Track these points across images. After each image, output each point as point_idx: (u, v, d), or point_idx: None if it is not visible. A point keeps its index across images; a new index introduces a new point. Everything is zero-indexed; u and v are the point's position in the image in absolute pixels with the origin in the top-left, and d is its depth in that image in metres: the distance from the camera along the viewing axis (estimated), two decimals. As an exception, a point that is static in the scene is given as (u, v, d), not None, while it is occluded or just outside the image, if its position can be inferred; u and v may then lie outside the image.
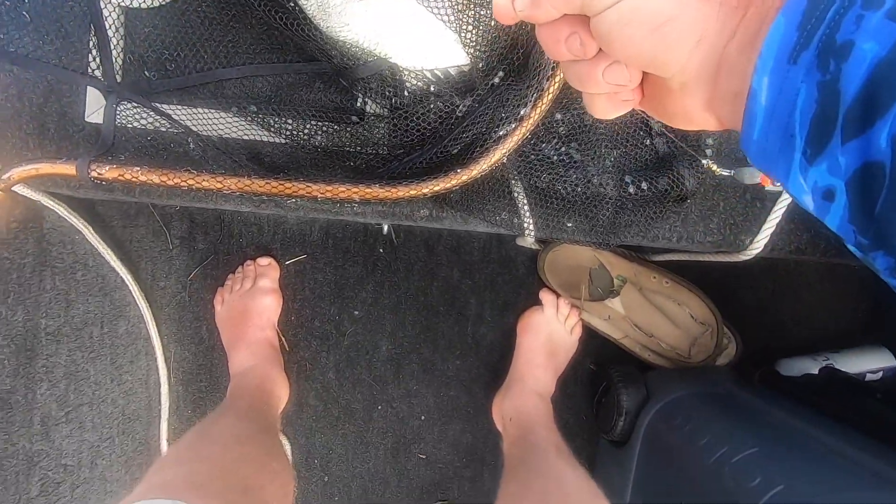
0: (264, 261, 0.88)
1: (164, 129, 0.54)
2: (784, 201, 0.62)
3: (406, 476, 0.94)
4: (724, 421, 0.69)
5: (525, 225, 0.60)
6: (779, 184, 0.25)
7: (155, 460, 0.86)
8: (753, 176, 0.47)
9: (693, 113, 0.25)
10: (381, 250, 0.91)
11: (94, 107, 0.57)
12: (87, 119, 0.56)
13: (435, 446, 0.94)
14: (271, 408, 0.78)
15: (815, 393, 0.75)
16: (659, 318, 0.86)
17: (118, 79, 0.55)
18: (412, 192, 0.54)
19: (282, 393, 0.84)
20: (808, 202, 0.22)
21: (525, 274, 0.93)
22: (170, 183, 0.48)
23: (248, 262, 0.89)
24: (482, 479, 0.95)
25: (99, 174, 0.47)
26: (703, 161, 0.46)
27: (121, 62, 0.56)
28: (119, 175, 0.47)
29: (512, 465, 0.73)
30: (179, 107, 0.56)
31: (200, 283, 0.88)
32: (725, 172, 0.47)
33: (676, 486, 0.68)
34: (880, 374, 0.91)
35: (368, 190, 0.53)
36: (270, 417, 0.76)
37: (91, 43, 0.55)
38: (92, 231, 0.68)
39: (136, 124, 0.53)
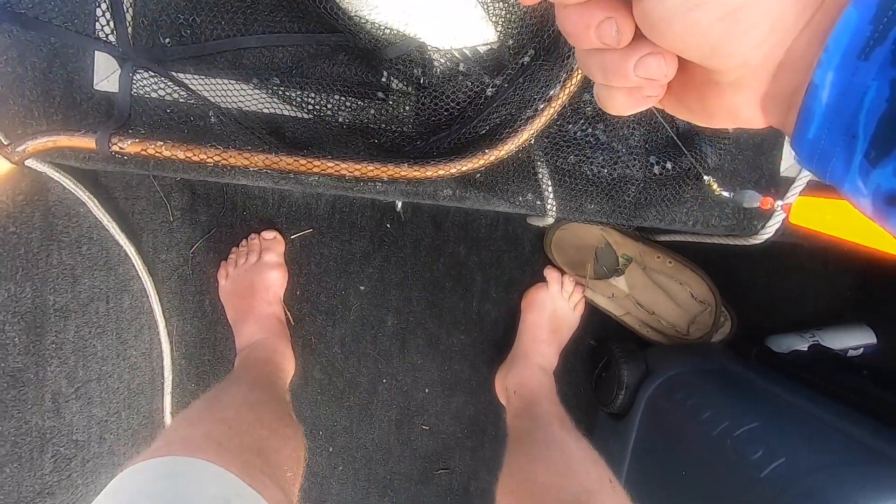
0: (269, 234, 0.87)
1: (182, 101, 0.52)
2: (797, 188, 0.63)
3: (409, 446, 0.97)
4: (724, 396, 0.72)
5: (548, 206, 0.60)
6: (834, 186, 0.23)
7: (159, 433, 0.86)
8: (752, 200, 0.48)
9: (741, 111, 0.23)
10: (388, 225, 0.90)
11: (104, 74, 0.53)
12: (96, 87, 0.53)
13: (438, 418, 0.96)
14: (280, 380, 0.78)
15: (805, 369, 0.79)
16: (661, 296, 0.88)
17: (131, 44, 0.52)
18: (440, 172, 0.53)
19: (289, 367, 0.85)
20: (867, 205, 0.20)
21: (531, 251, 0.93)
22: (195, 159, 0.47)
23: (253, 235, 0.87)
24: (483, 449, 0.98)
25: (120, 148, 0.45)
26: (705, 177, 0.47)
27: (131, 26, 0.53)
28: (142, 149, 0.45)
29: (517, 436, 0.75)
30: (196, 77, 0.54)
31: (203, 257, 0.86)
32: (725, 194, 0.47)
33: (677, 458, 0.72)
34: (861, 350, 0.96)
35: (397, 169, 0.52)
36: (280, 388, 0.76)
37: (100, 4, 0.51)
38: (97, 203, 0.65)
39: (153, 95, 0.50)
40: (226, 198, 0.85)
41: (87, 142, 0.44)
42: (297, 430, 0.65)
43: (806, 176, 0.61)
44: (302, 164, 0.49)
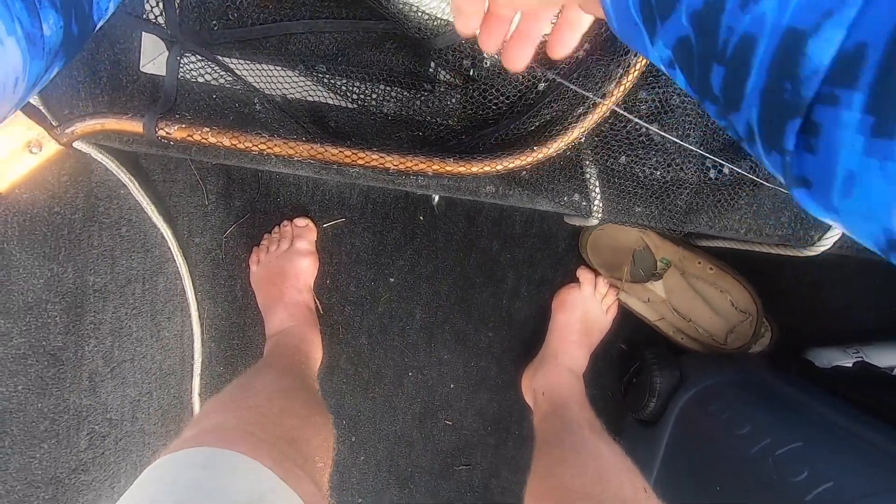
0: (301, 222, 0.86)
1: (227, 87, 0.51)
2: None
3: (431, 440, 0.96)
4: (764, 411, 0.69)
5: (594, 208, 0.58)
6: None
7: (187, 414, 0.87)
8: None
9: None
10: (421, 218, 0.89)
11: (150, 56, 0.53)
12: (142, 69, 0.53)
13: (461, 414, 0.96)
14: (309, 368, 0.78)
15: (849, 387, 0.76)
16: (699, 303, 0.85)
17: (179, 27, 0.51)
18: (486, 169, 0.52)
19: (318, 355, 0.84)
20: (665, 72, 0.27)
21: (565, 251, 0.91)
22: (241, 147, 0.46)
23: (285, 222, 0.87)
24: (506, 447, 0.97)
25: (167, 133, 0.45)
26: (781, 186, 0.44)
27: (179, 9, 0.52)
28: (188, 135, 0.45)
29: (545, 440, 0.74)
30: (242, 62, 0.53)
31: (235, 242, 0.86)
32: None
33: (711, 472, 0.70)
34: (908, 369, 0.92)
35: (442, 164, 0.51)
36: (310, 376, 0.76)
37: (148, -15, 0.50)
38: (137, 186, 0.65)
39: (199, 79, 0.50)
40: (260, 184, 0.85)
41: (134, 125, 0.44)
42: (328, 420, 0.64)
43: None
44: (346, 156, 0.48)
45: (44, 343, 0.70)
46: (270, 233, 0.87)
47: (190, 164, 0.79)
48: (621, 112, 0.50)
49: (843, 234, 0.61)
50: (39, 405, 0.73)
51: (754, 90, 0.22)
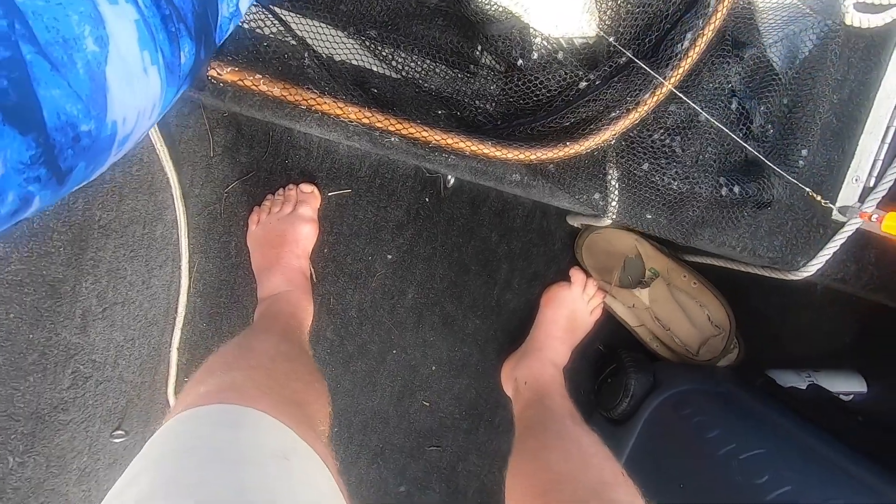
0: (307, 187, 0.86)
1: (278, 38, 0.51)
2: (846, 232, 0.65)
3: (407, 419, 0.98)
4: (731, 419, 0.74)
5: (610, 208, 0.61)
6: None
7: (163, 367, 0.85)
8: (853, 212, 0.49)
9: None
10: (427, 199, 0.90)
11: (198, -6, 0.52)
12: (187, 5, 0.51)
13: (440, 396, 0.98)
14: (304, 334, 0.78)
15: (804, 405, 0.83)
16: (679, 314, 0.90)
17: (234, -31, 0.50)
18: (520, 156, 0.53)
19: (309, 323, 0.84)
20: None
21: (560, 249, 0.94)
22: (290, 99, 0.46)
23: (290, 185, 0.86)
24: (477, 433, 1.00)
25: (218, 74, 0.44)
26: (807, 190, 0.48)
27: (235, -50, 0.51)
28: (239, 79, 0.44)
29: (528, 426, 0.77)
30: (291, 14, 0.52)
31: (236, 198, 0.85)
32: (830, 205, 0.49)
33: (677, 470, 0.74)
34: (852, 396, 1.00)
35: (480, 145, 0.52)
36: (306, 342, 0.76)
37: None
38: (156, 126, 0.63)
39: (251, 25, 0.49)
40: (270, 142, 0.84)
41: (186, 61, 0.43)
42: (325, 387, 0.65)
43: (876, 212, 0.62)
44: (391, 124, 0.49)
45: (44, 272, 0.67)
46: (274, 194, 0.86)
47: (202, 112, 0.77)
48: (681, 96, 0.52)
49: (826, 262, 0.66)
50: (31, 336, 0.69)
51: None
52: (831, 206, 0.46)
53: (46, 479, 0.75)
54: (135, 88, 0.28)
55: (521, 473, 0.65)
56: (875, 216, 0.49)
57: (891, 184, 0.58)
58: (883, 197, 0.60)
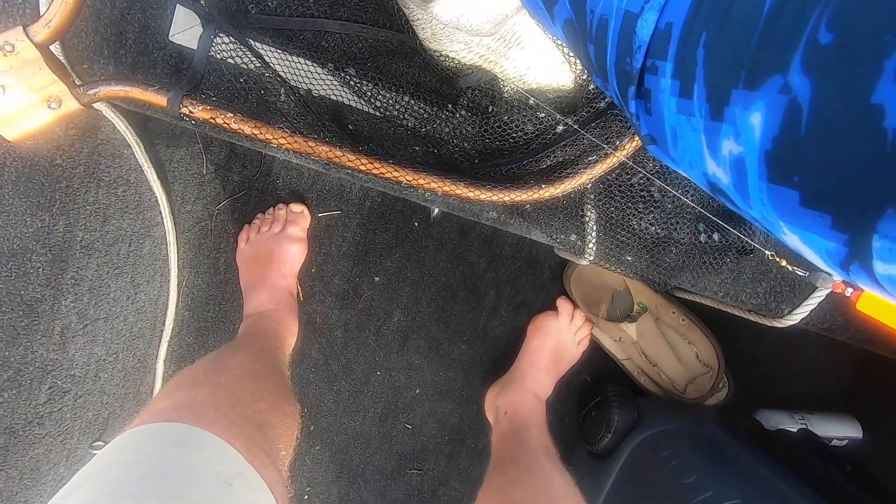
0: (297, 207, 0.86)
1: (255, 72, 0.51)
2: (831, 282, 0.63)
3: (388, 441, 0.97)
4: (710, 465, 0.73)
5: (587, 250, 0.60)
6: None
7: (149, 379, 0.86)
8: (826, 282, 0.48)
9: None
10: (416, 224, 0.90)
11: (181, 27, 0.53)
12: (171, 38, 0.53)
13: (422, 420, 0.97)
14: (283, 354, 0.78)
15: (790, 453, 0.80)
16: (667, 350, 0.89)
17: (216, 6, 0.51)
18: (493, 198, 0.53)
19: (292, 342, 0.85)
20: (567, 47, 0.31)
21: (549, 279, 0.94)
22: (261, 137, 0.46)
23: (280, 205, 0.87)
24: (459, 459, 0.99)
25: (190, 112, 0.45)
26: (767, 252, 0.46)
27: (219, -15, 0.52)
28: (211, 117, 0.45)
29: (501, 458, 0.76)
30: (273, 49, 0.53)
31: (227, 216, 0.86)
32: (800, 272, 0.47)
33: (653, 513, 0.73)
34: (846, 441, 0.97)
35: (453, 186, 0.52)
36: (283, 362, 0.76)
37: (192, -43, 0.50)
38: (142, 148, 0.64)
39: (228, 60, 0.50)
40: (262, 163, 0.85)
41: (158, 98, 0.44)
42: (295, 409, 0.65)
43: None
44: (363, 164, 0.49)
45: (21, 292, 0.69)
46: (264, 213, 0.87)
47: (195, 133, 0.79)
48: (633, 165, 0.52)
49: (811, 311, 0.65)
50: (6, 353, 0.71)
51: (611, 64, 0.25)
52: (798, 272, 0.45)
53: (20, 490, 0.76)
54: None
55: (486, 509, 0.64)
56: (849, 291, 0.47)
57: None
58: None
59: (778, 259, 0.43)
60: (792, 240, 0.22)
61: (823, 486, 0.70)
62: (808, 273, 0.46)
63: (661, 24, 0.23)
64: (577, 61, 0.52)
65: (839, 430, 0.97)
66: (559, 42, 0.48)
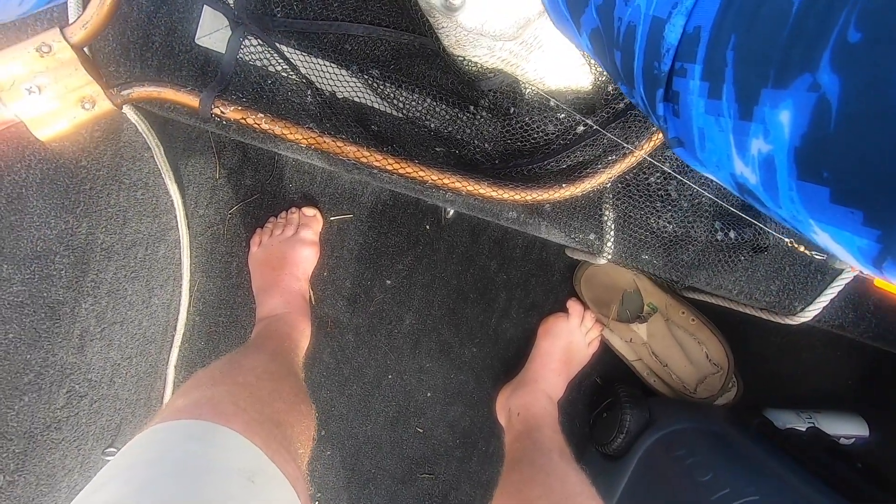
0: (310, 211, 0.87)
1: (283, 74, 0.52)
2: (843, 279, 0.65)
3: (399, 445, 0.97)
4: (725, 462, 0.73)
5: (605, 248, 0.61)
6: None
7: (159, 384, 0.85)
8: (844, 262, 0.49)
9: None
10: (428, 227, 0.91)
11: (208, 30, 0.53)
12: (197, 41, 0.53)
13: (433, 423, 0.97)
14: (297, 357, 0.78)
15: (801, 450, 0.81)
16: (677, 351, 0.89)
17: (245, 8, 0.51)
18: (516, 197, 0.54)
19: (305, 345, 0.84)
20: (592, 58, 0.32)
21: (559, 280, 0.94)
22: (290, 137, 0.47)
23: (293, 209, 0.87)
24: (470, 462, 0.99)
25: (221, 112, 0.45)
26: (786, 240, 0.48)
27: (245, -11, 0.53)
28: (242, 118, 0.46)
29: (516, 459, 0.76)
30: (297, 52, 0.54)
31: (239, 220, 0.86)
32: (819, 256, 0.48)
33: (669, 512, 0.73)
34: (853, 440, 0.98)
35: (477, 186, 0.53)
36: (297, 364, 0.76)
37: (219, -38, 0.51)
38: (162, 151, 0.65)
39: (255, 62, 0.50)
40: (275, 167, 0.85)
41: (191, 99, 0.44)
42: (311, 409, 0.65)
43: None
44: (390, 164, 0.49)
45: (45, 294, 0.68)
46: (277, 217, 0.87)
47: (210, 136, 0.79)
48: (652, 161, 0.53)
49: (823, 309, 0.66)
50: (28, 356, 0.70)
51: (639, 69, 0.26)
52: (816, 256, 0.46)
53: (36, 497, 0.75)
54: None
55: (504, 509, 0.64)
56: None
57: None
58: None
59: (796, 245, 0.44)
60: (823, 238, 0.22)
61: (837, 483, 0.71)
62: (826, 256, 0.47)
63: (689, 27, 0.23)
64: (595, 63, 0.54)
65: (846, 429, 0.98)
66: (583, 52, 0.49)
